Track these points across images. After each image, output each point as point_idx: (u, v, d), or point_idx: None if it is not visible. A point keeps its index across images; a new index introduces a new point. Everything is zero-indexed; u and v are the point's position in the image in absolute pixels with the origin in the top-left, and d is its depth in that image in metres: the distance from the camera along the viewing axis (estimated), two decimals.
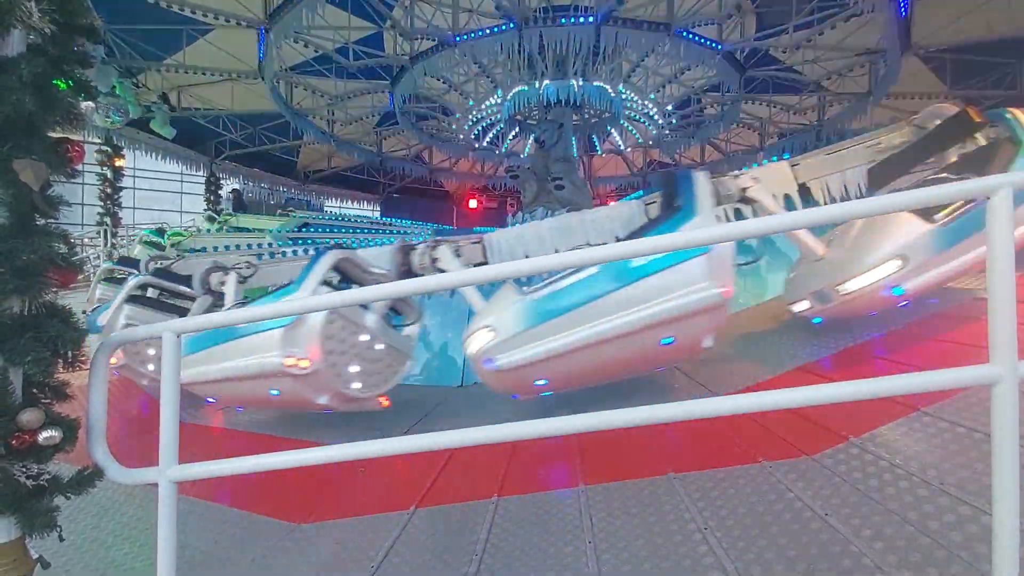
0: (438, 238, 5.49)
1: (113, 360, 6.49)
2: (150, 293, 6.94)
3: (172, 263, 7.78)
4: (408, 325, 5.36)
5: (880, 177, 5.04)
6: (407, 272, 5.12)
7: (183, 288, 6.59)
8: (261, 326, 4.20)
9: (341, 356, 4.47)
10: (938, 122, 4.83)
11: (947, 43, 13.17)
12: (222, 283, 5.99)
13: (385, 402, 4.92)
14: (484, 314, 4.09)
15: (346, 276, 4.99)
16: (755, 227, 1.92)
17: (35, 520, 2.06)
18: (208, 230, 14.14)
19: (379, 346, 4.85)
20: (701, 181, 4.16)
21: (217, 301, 6.14)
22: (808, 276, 4.61)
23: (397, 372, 5.05)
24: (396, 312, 5.42)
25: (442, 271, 4.96)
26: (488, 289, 4.68)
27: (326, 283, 4.67)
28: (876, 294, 4.01)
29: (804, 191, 6.18)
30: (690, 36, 12.39)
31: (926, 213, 3.92)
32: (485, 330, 3.94)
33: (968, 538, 2.22)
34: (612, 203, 7.32)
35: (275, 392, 4.45)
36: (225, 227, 15.24)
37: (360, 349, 4.64)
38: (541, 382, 4.05)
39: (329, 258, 4.62)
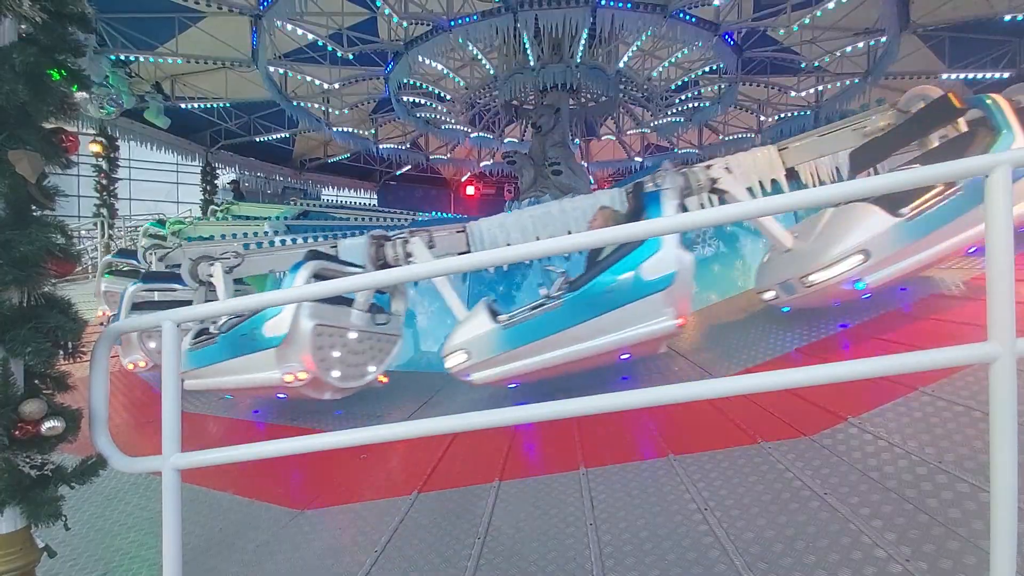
0: (413, 229, 5.64)
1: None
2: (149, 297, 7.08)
3: (168, 252, 7.75)
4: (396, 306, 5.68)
5: (861, 161, 5.01)
6: (383, 265, 5.28)
7: (176, 286, 6.73)
8: (256, 344, 4.62)
9: (334, 360, 4.85)
10: (921, 105, 4.79)
11: (946, 21, 13.06)
12: (210, 274, 6.12)
13: (384, 379, 5.35)
14: (460, 334, 4.38)
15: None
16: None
17: (40, 509, 2.07)
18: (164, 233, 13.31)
19: (369, 338, 5.17)
20: (668, 200, 4.25)
21: (210, 291, 6.22)
22: (776, 266, 4.65)
23: (390, 353, 5.41)
24: (381, 292, 5.70)
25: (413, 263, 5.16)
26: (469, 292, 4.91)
27: None
28: (838, 287, 4.04)
29: (792, 175, 6.16)
30: (686, 17, 12.30)
31: (891, 207, 3.91)
32: (460, 352, 4.29)
33: (966, 515, 2.24)
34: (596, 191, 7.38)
35: (283, 396, 5.07)
36: (228, 215, 15.36)
37: (351, 348, 4.99)
38: (512, 385, 4.57)
39: (306, 271, 4.82)
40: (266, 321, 4.59)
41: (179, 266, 6.78)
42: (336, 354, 4.83)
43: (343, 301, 5.05)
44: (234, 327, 4.88)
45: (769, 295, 4.79)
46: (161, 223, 14.00)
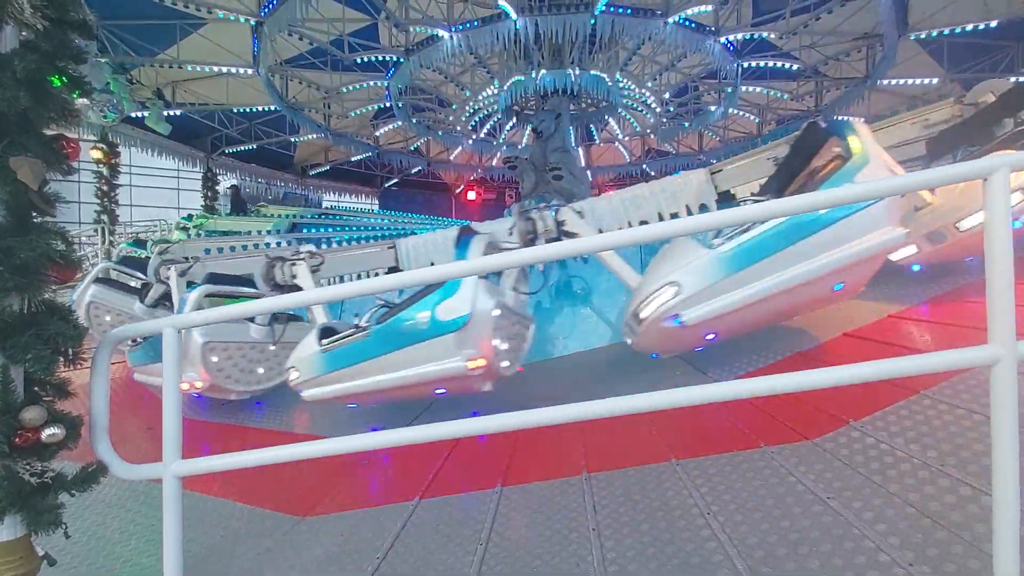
0: (545, 204, 5.22)
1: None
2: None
3: (190, 267, 7.15)
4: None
5: (939, 149, 5.11)
6: (532, 240, 4.88)
7: (247, 290, 5.88)
8: (430, 331, 4.05)
9: (503, 346, 4.37)
10: (991, 96, 4.92)
11: (944, 26, 13.10)
12: (293, 276, 5.62)
13: (520, 367, 4.84)
14: (659, 271, 3.95)
15: None
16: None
17: (40, 517, 2.07)
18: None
19: (519, 321, 4.71)
20: (863, 129, 4.13)
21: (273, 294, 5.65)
22: (915, 223, 4.53)
23: (529, 339, 4.91)
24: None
25: (568, 234, 4.74)
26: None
27: None
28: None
29: None
30: (686, 23, 12.34)
31: None
32: (669, 287, 3.83)
33: (969, 518, 2.23)
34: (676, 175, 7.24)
35: (441, 391, 4.44)
36: (201, 232, 13.05)
37: (509, 331, 4.49)
38: (711, 336, 4.09)
39: (479, 243, 4.40)
40: (439, 304, 4.09)
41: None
42: (505, 338, 4.38)
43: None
44: (390, 317, 4.34)
45: (904, 252, 4.66)
46: (140, 243, 11.44)
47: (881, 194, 1.84)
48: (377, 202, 27.42)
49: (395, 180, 26.99)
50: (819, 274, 3.70)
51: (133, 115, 15.40)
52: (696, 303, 3.78)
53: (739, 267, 3.74)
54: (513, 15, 11.54)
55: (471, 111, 16.07)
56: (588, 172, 20.54)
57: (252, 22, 12.64)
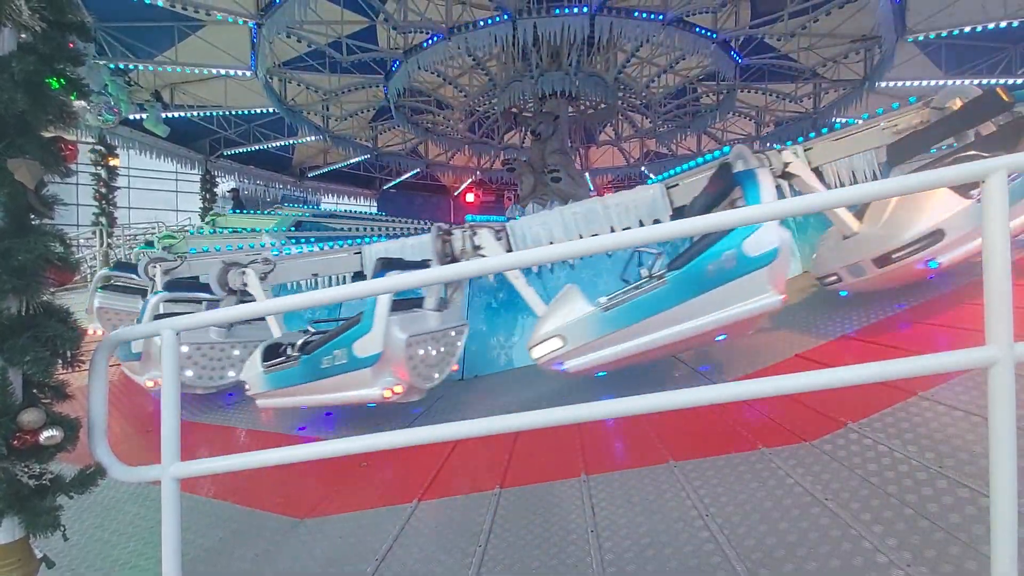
0: (473, 224, 5.59)
1: None
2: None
3: (176, 266, 7.50)
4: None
5: (899, 154, 5.11)
6: (451, 258, 5.29)
7: (203, 295, 6.31)
8: (349, 365, 4.54)
9: (424, 366, 4.89)
10: (958, 102, 4.88)
11: (942, 28, 13.12)
12: (244, 283, 5.95)
13: (456, 367, 5.42)
14: (549, 322, 4.28)
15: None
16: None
17: (38, 520, 2.06)
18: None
19: (445, 335, 5.18)
20: (763, 177, 4.08)
21: (243, 300, 6.01)
22: (840, 251, 4.74)
23: (461, 342, 5.41)
24: None
25: (483, 255, 5.12)
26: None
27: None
28: (911, 268, 4.18)
29: (816, 175, 6.17)
30: (684, 25, 12.36)
31: (963, 189, 4.01)
32: (556, 339, 4.17)
33: (966, 519, 2.24)
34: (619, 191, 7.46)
35: (372, 405, 4.88)
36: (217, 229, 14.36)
37: (433, 349, 5.02)
38: (601, 373, 4.42)
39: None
40: (355, 341, 4.47)
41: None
42: (426, 360, 4.89)
43: (414, 304, 5.09)
44: (316, 348, 4.75)
45: (831, 280, 4.96)
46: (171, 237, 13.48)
47: (875, 197, 1.84)
48: (376, 204, 27.43)
49: (393, 182, 27.02)
50: (698, 332, 3.90)
51: (131, 117, 15.37)
52: (578, 355, 4.16)
53: (615, 327, 4.02)
54: (511, 17, 11.55)
55: (469, 113, 16.09)
56: (586, 174, 20.59)
57: (251, 24, 12.65)
